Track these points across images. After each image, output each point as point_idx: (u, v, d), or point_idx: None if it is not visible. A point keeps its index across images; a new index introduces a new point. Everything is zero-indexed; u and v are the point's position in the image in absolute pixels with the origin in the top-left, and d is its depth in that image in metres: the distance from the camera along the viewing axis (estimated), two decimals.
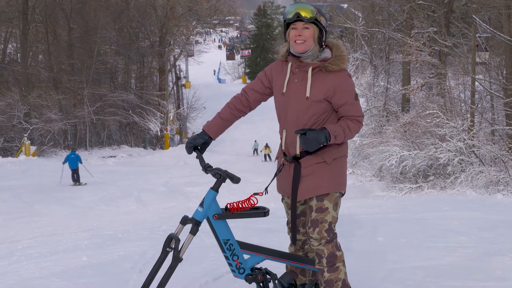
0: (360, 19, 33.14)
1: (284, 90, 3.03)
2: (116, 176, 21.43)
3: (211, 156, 26.43)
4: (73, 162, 19.42)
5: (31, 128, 30.49)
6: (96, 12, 38.43)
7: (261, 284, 3.08)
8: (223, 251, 3.06)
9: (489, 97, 20.35)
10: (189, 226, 3.01)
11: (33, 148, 28.84)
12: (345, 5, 47.80)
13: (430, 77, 23.08)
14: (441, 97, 19.45)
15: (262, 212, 3.06)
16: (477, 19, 19.44)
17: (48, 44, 36.27)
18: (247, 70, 71.39)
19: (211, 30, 69.49)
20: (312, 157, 3.00)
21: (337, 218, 3.05)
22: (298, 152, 3.02)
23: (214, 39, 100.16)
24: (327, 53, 3.01)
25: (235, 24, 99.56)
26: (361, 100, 23.32)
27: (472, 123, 17.48)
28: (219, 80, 73.10)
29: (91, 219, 11.33)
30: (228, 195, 11.06)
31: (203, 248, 5.12)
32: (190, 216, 3.03)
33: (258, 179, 18.58)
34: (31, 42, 35.75)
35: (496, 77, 19.97)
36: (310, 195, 3.00)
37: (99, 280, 4.19)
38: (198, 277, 4.11)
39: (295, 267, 3.33)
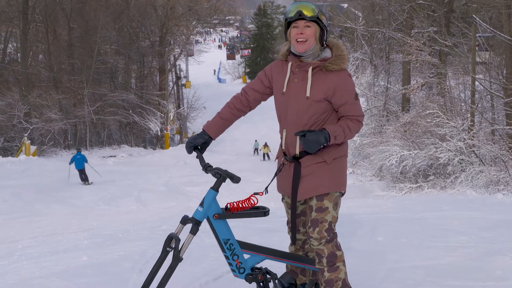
0: (360, 18, 33.15)
1: (284, 90, 3.03)
2: (116, 176, 21.44)
3: (211, 155, 26.41)
4: (79, 163, 19.61)
5: (31, 127, 30.50)
6: (96, 11, 38.42)
7: (261, 283, 3.08)
8: (223, 250, 3.06)
9: (489, 96, 20.35)
10: (189, 226, 3.01)
11: (33, 148, 28.84)
12: (345, 5, 47.83)
13: (430, 76, 23.07)
14: (441, 96, 19.44)
15: (262, 211, 3.06)
16: (477, 19, 19.44)
17: (48, 44, 36.26)
18: (247, 70, 71.41)
19: (211, 29, 69.43)
20: (312, 156, 3.00)
21: (337, 217, 3.06)
22: (297, 152, 3.02)
23: (214, 39, 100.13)
24: (327, 53, 3.01)
25: (235, 24, 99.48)
26: (361, 100, 23.30)
27: (472, 123, 17.48)
28: (219, 80, 73.07)
29: (91, 219, 11.34)
30: (228, 194, 11.04)
31: (203, 247, 5.12)
32: (190, 215, 3.03)
33: (258, 179, 18.59)
34: (31, 42, 35.75)
35: (496, 77, 19.97)
36: (310, 194, 3.00)
37: (99, 279, 4.19)
38: (198, 276, 4.11)
39: (295, 267, 3.33)
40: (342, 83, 2.96)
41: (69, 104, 34.88)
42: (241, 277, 3.09)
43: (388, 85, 25.15)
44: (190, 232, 2.99)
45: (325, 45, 3.01)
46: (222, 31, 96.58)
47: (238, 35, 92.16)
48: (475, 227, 6.23)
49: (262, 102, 3.26)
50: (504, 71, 19.17)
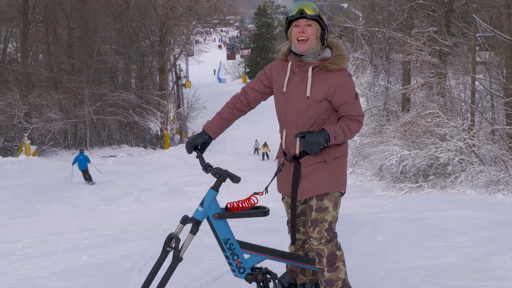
0: (360, 18, 33.16)
1: (284, 90, 3.03)
2: (116, 175, 21.45)
3: (211, 155, 26.41)
4: (82, 163, 19.67)
5: (31, 127, 30.49)
6: (96, 11, 38.42)
7: (261, 283, 3.08)
8: (223, 250, 3.06)
9: (489, 96, 20.35)
10: (189, 226, 3.01)
11: (33, 148, 28.83)
12: (345, 5, 47.84)
13: (430, 76, 23.07)
14: (441, 96, 19.45)
15: (262, 211, 3.06)
16: (477, 19, 19.45)
17: (48, 44, 36.25)
18: (247, 70, 71.40)
19: (211, 29, 69.39)
20: (312, 156, 3.00)
21: (337, 217, 3.06)
22: (297, 151, 3.02)
23: (214, 39, 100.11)
24: (327, 53, 3.01)
25: (235, 24, 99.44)
26: (361, 100, 23.31)
27: (472, 123, 17.48)
28: (219, 80, 73.04)
29: (91, 219, 11.35)
30: (228, 194, 11.05)
31: (203, 247, 5.12)
32: (190, 215, 3.03)
33: (258, 179, 18.59)
34: (31, 42, 35.74)
35: (496, 77, 19.97)
36: (310, 194, 3.00)
37: (99, 279, 4.19)
38: (198, 276, 4.11)
39: (295, 267, 3.33)
40: (342, 83, 2.96)
41: (69, 104, 34.88)
42: (241, 277, 3.09)
43: (388, 85, 25.15)
44: (190, 232, 2.98)
45: (325, 45, 3.01)
46: (222, 31, 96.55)
47: (238, 35, 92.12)
48: (475, 227, 6.23)
49: (262, 102, 3.26)
50: (504, 71, 19.17)
